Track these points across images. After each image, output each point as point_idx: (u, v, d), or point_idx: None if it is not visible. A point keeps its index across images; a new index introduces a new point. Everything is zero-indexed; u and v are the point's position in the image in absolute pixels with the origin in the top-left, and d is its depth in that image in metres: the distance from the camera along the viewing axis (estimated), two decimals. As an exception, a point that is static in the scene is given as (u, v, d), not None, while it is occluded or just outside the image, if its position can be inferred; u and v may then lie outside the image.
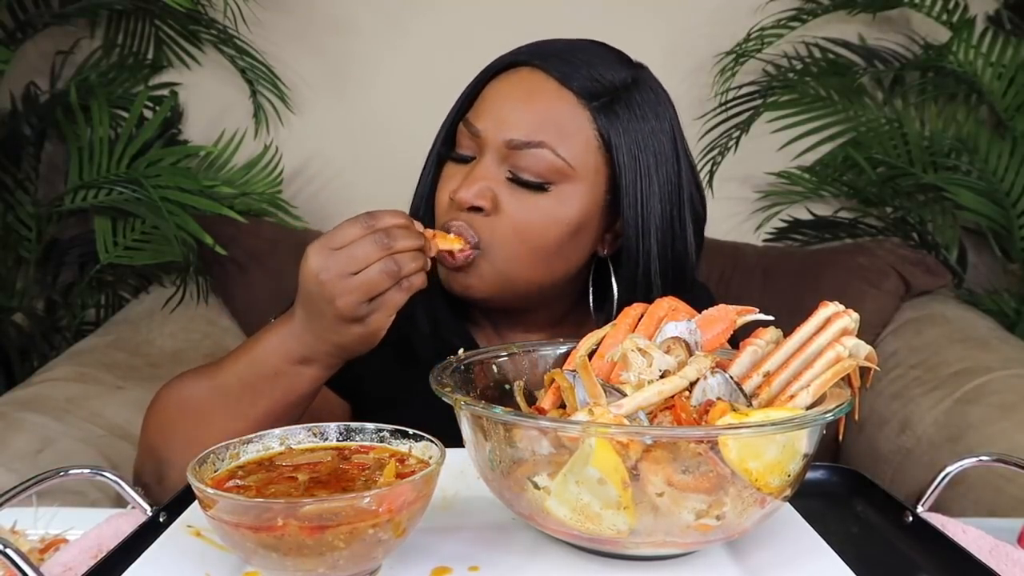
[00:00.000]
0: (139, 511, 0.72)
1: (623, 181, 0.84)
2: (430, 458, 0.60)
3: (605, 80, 0.84)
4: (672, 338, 0.65)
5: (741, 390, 0.60)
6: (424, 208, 0.91)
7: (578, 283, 0.92)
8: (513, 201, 0.83)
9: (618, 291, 0.89)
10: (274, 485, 0.57)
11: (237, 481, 0.58)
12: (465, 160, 0.86)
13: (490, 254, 0.83)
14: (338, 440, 0.64)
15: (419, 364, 0.80)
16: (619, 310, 0.82)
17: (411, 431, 0.62)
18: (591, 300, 0.93)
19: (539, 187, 0.82)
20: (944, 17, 1.93)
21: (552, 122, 0.82)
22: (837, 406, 0.57)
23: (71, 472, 0.73)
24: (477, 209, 0.83)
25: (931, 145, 1.99)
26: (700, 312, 0.71)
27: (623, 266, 0.88)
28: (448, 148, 0.89)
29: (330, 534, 0.51)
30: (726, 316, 0.69)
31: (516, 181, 0.83)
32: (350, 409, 0.96)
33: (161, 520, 0.68)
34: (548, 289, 0.89)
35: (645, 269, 0.86)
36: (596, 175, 0.84)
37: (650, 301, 0.82)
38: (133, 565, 0.58)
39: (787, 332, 0.63)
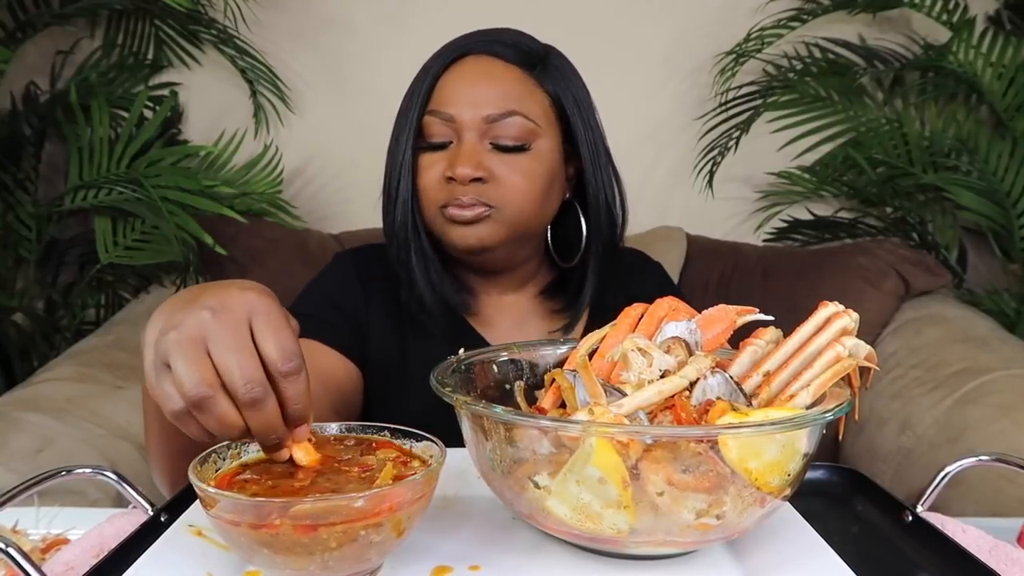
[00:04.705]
0: (140, 511, 0.72)
1: (577, 127, 0.98)
2: (431, 457, 0.60)
3: (533, 51, 0.99)
4: (672, 338, 0.65)
5: (741, 390, 0.60)
6: (411, 200, 0.97)
7: (543, 237, 1.04)
8: (502, 166, 0.94)
9: (586, 227, 1.01)
10: (277, 481, 0.57)
11: (241, 477, 0.58)
12: (441, 147, 0.95)
13: (502, 212, 0.94)
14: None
15: (424, 334, 0.99)
16: (587, 245, 1.00)
17: (412, 431, 0.62)
18: (551, 248, 1.04)
19: (520, 148, 0.94)
20: (944, 17, 1.93)
21: (515, 93, 0.95)
22: (837, 406, 0.57)
23: (73, 472, 0.73)
24: (476, 180, 0.92)
25: (931, 145, 1.99)
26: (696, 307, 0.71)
27: (589, 203, 1.01)
28: (417, 141, 0.97)
29: (324, 533, 0.51)
30: (726, 316, 0.69)
31: (500, 148, 0.94)
32: (362, 378, 0.99)
33: (162, 520, 0.68)
34: (538, 236, 1.01)
35: (605, 199, 1.00)
36: (554, 128, 0.98)
37: (613, 236, 1.02)
38: (134, 564, 0.58)
39: (787, 332, 0.63)
